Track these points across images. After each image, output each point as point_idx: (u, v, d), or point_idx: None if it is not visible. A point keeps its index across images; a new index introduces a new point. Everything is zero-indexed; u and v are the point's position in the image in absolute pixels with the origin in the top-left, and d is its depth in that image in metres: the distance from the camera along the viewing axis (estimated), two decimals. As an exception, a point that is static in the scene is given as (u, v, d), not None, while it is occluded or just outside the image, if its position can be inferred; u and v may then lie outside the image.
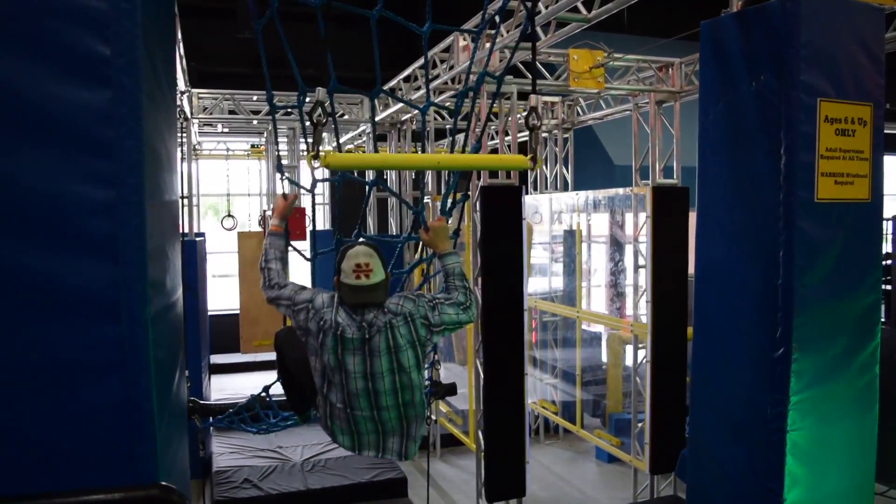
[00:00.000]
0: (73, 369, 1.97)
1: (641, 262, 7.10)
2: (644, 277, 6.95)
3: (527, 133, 9.57)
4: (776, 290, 2.87)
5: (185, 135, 8.75)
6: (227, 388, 10.42)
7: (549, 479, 8.25)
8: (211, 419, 5.23)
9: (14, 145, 1.89)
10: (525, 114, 2.97)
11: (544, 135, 9.36)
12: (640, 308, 7.22)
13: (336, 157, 2.63)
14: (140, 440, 2.04)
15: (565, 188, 9.60)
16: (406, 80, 8.27)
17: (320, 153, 2.54)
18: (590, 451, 9.04)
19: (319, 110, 2.45)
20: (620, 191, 7.61)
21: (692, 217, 5.81)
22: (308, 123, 2.54)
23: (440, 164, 2.92)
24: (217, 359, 12.19)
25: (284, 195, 3.08)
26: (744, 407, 3.03)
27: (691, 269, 5.07)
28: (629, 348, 8.00)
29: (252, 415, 4.84)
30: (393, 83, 8.48)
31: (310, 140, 2.56)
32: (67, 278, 1.95)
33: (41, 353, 1.95)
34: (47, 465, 1.95)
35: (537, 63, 7.00)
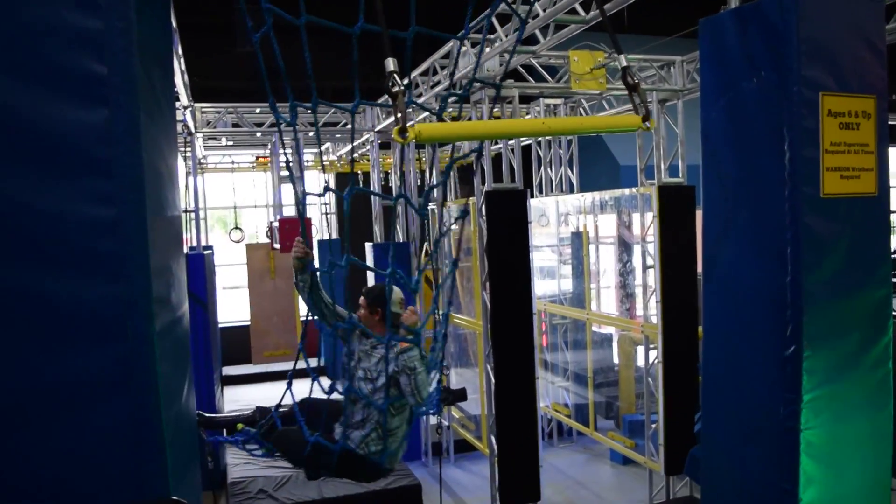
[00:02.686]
0: (81, 388, 1.97)
1: (650, 262, 7.07)
2: (653, 277, 6.91)
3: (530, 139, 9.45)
4: (784, 288, 2.84)
5: (189, 149, 8.78)
6: (240, 399, 10.42)
7: (564, 482, 8.22)
8: (219, 435, 5.15)
9: (14, 166, 1.90)
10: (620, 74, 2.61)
11: (548, 137, 9.34)
12: (650, 308, 7.19)
13: (428, 128, 2.33)
14: (150, 456, 2.04)
15: (571, 190, 9.58)
16: (407, 87, 8.27)
17: (407, 126, 2.25)
18: (604, 454, 9.00)
19: (391, 80, 2.24)
20: (626, 191, 7.58)
21: (699, 215, 5.79)
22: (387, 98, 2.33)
23: (548, 128, 2.76)
24: (229, 370, 12.21)
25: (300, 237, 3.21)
26: (756, 407, 3.00)
27: (700, 268, 5.05)
28: (640, 349, 7.97)
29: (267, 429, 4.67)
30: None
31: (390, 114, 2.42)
32: (72, 298, 1.96)
33: (48, 373, 1.95)
34: (59, 485, 1.95)
35: (537, 65, 7.00)
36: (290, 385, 3.94)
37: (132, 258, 2.01)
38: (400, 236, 10.43)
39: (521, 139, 9.00)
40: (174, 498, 1.90)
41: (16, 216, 1.91)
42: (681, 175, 6.87)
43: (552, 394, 9.66)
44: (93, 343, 1.98)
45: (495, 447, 6.58)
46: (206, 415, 5.24)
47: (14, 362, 1.92)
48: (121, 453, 2.01)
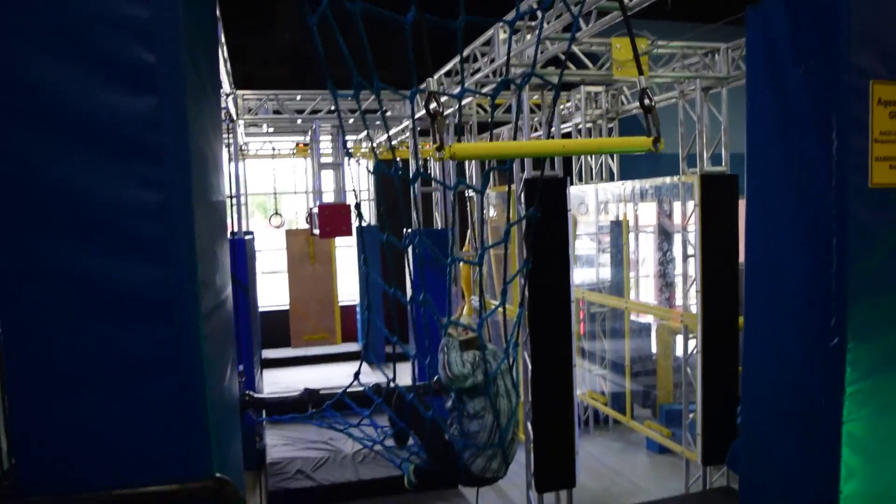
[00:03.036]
0: (130, 367, 2.03)
1: (690, 251, 6.99)
2: (693, 267, 6.84)
3: (570, 124, 9.42)
4: (830, 279, 2.79)
5: (231, 136, 8.90)
6: (279, 382, 10.59)
7: (600, 469, 8.21)
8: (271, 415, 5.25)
9: (66, 152, 1.96)
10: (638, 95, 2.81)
11: (588, 125, 9.27)
12: (689, 298, 7.12)
13: (461, 148, 2.55)
14: (195, 434, 2.09)
15: (611, 178, 9.50)
16: (447, 74, 8.27)
17: (444, 145, 2.40)
18: (640, 442, 8.96)
19: (434, 102, 2.35)
20: (668, 179, 7.49)
21: (742, 205, 5.70)
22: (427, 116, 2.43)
23: (567, 149, 2.85)
24: (269, 353, 12.40)
25: None
26: (797, 398, 2.96)
27: (742, 258, 4.98)
28: (679, 338, 7.90)
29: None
30: (436, 77, 8.50)
31: (418, 131, 2.48)
32: (121, 280, 2.01)
33: (98, 352, 2.01)
34: (107, 460, 2.02)
35: (579, 52, 6.93)
36: (358, 372, 3.94)
37: (178, 242, 2.06)
38: (438, 223, 10.47)
39: (564, 124, 8.93)
40: (218, 475, 1.95)
41: (69, 200, 1.96)
42: (724, 164, 6.77)
43: (589, 381, 9.63)
44: (141, 323, 2.04)
45: (531, 433, 6.59)
46: (256, 395, 5.37)
47: (67, 338, 1.99)
48: (167, 430, 2.07)
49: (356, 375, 3.89)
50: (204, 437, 2.09)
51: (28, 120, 1.94)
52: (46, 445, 1.98)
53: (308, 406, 4.76)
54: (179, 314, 2.05)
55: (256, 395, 5.38)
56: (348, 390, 4.15)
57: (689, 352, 7.11)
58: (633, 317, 8.80)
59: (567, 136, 9.62)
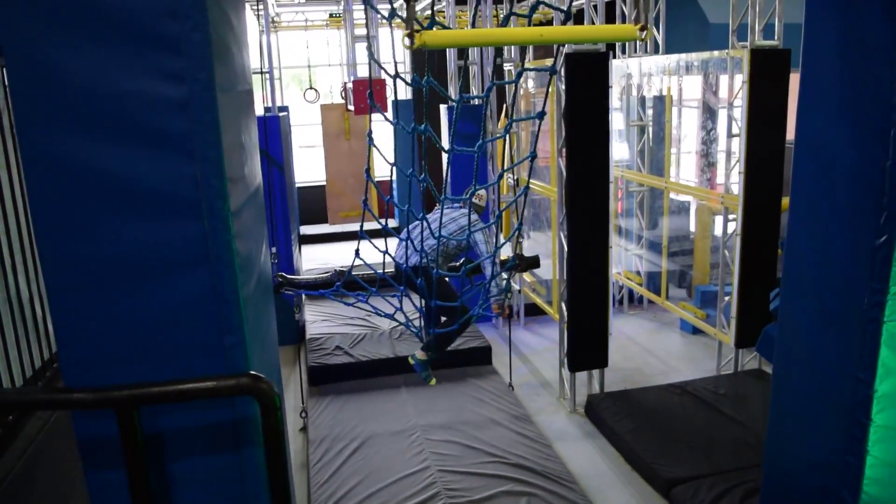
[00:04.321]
0: (161, 264, 2.04)
1: (735, 129, 6.73)
2: (738, 146, 6.61)
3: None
4: (883, 173, 2.64)
5: (262, 7, 8.63)
6: (317, 258, 10.80)
7: (632, 349, 8.34)
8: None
9: (84, 45, 1.88)
10: None
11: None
12: (731, 178, 6.93)
13: (433, 35, 2.47)
14: (229, 330, 2.12)
15: (656, 51, 9.08)
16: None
17: (415, 32, 2.41)
18: (674, 323, 9.03)
19: None
20: (716, 53, 7.12)
21: (793, 80, 5.38)
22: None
23: (543, 37, 2.73)
24: (306, 230, 12.57)
25: None
26: (839, 292, 2.89)
27: (790, 137, 4.76)
28: (718, 219, 7.77)
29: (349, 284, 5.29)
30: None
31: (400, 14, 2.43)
32: (149, 177, 1.98)
33: (130, 249, 2.01)
34: (142, 356, 2.06)
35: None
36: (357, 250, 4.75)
37: (204, 137, 2.00)
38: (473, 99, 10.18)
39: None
40: (252, 373, 1.98)
41: (89, 96, 1.91)
42: (776, 37, 6.37)
43: (624, 261, 9.62)
44: (171, 220, 2.02)
45: (565, 313, 6.66)
46: (288, 276, 5.60)
47: (98, 235, 1.99)
48: (201, 326, 2.09)
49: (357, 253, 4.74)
50: (238, 333, 2.12)
51: (48, 15, 1.85)
52: (84, 341, 2.02)
53: (337, 285, 5.26)
54: (209, 211, 2.03)
55: (288, 276, 5.65)
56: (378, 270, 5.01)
57: (728, 234, 7.00)
58: (671, 195, 8.64)
59: (610, 4, 9.13)
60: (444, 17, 11.08)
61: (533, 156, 3.34)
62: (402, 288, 4.79)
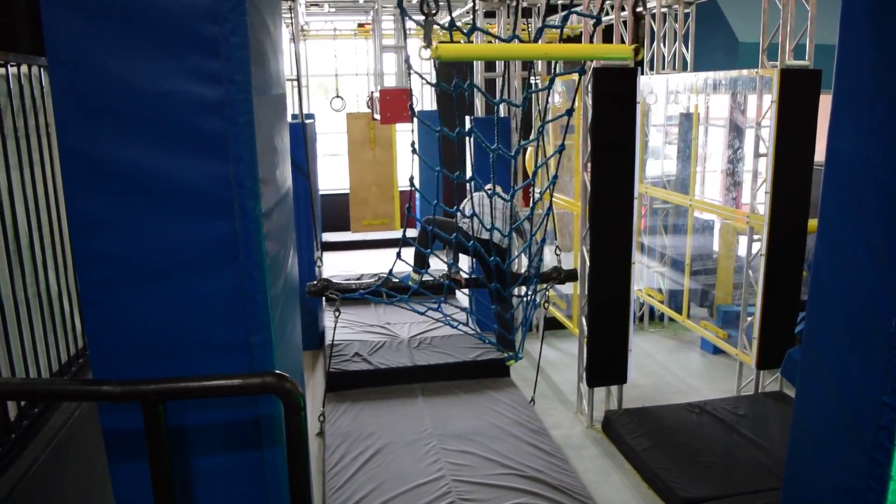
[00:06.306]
0: (192, 264, 2.07)
1: (763, 149, 6.70)
2: (764, 165, 6.57)
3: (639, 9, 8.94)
4: (915, 196, 2.62)
5: (291, 16, 8.72)
6: (339, 266, 10.82)
7: (652, 366, 8.28)
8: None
9: (124, 45, 1.92)
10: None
11: (664, 10, 8.76)
12: (757, 198, 6.88)
13: (447, 49, 2.58)
14: (256, 329, 2.14)
15: (684, 68, 9.06)
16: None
17: (431, 45, 2.52)
18: (695, 342, 8.96)
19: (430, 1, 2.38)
20: (745, 72, 7.09)
21: (823, 101, 5.35)
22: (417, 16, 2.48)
23: (548, 53, 2.83)
24: (329, 237, 12.62)
25: None
26: (865, 315, 2.86)
27: (818, 158, 4.72)
28: (743, 239, 7.72)
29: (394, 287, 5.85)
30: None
31: (410, 27, 2.54)
32: (182, 177, 2.01)
33: (161, 246, 2.04)
34: (170, 352, 2.09)
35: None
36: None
37: (238, 138, 2.03)
38: (501, 111, 10.20)
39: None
40: (277, 371, 2.00)
41: (128, 95, 1.94)
42: (807, 57, 6.34)
43: (647, 278, 9.57)
44: (202, 220, 2.05)
45: (585, 328, 6.64)
46: (334, 282, 5.93)
47: (131, 232, 2.02)
48: (229, 324, 2.12)
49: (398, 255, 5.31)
50: (265, 332, 2.14)
51: (90, 15, 1.90)
52: (114, 335, 2.05)
53: (382, 293, 5.79)
54: (240, 212, 2.06)
55: (334, 282, 6.05)
56: (424, 279, 6.01)
57: (753, 254, 6.95)
58: (696, 214, 8.60)
59: (640, 18, 9.12)
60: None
61: (562, 149, 3.49)
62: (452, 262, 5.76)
